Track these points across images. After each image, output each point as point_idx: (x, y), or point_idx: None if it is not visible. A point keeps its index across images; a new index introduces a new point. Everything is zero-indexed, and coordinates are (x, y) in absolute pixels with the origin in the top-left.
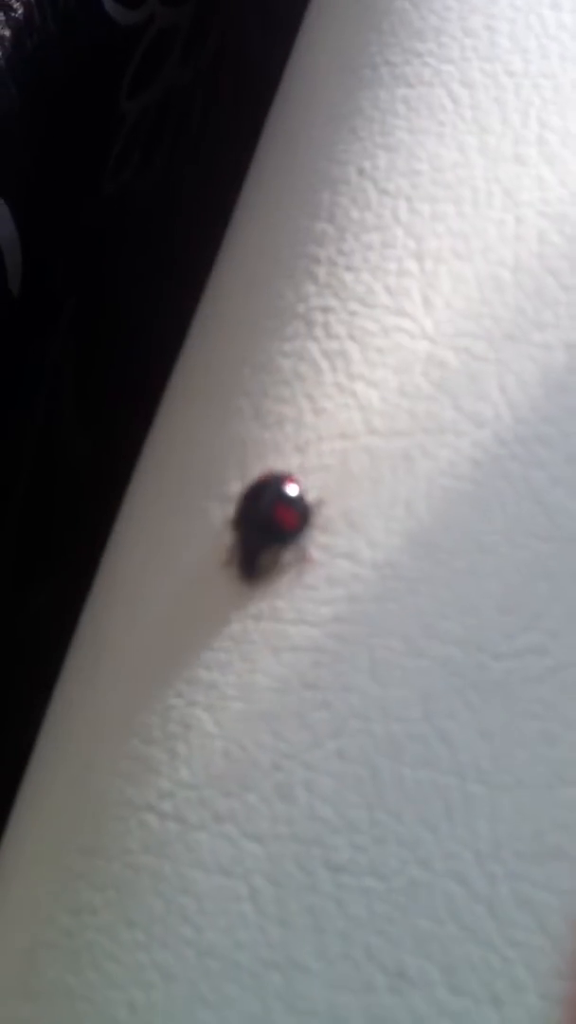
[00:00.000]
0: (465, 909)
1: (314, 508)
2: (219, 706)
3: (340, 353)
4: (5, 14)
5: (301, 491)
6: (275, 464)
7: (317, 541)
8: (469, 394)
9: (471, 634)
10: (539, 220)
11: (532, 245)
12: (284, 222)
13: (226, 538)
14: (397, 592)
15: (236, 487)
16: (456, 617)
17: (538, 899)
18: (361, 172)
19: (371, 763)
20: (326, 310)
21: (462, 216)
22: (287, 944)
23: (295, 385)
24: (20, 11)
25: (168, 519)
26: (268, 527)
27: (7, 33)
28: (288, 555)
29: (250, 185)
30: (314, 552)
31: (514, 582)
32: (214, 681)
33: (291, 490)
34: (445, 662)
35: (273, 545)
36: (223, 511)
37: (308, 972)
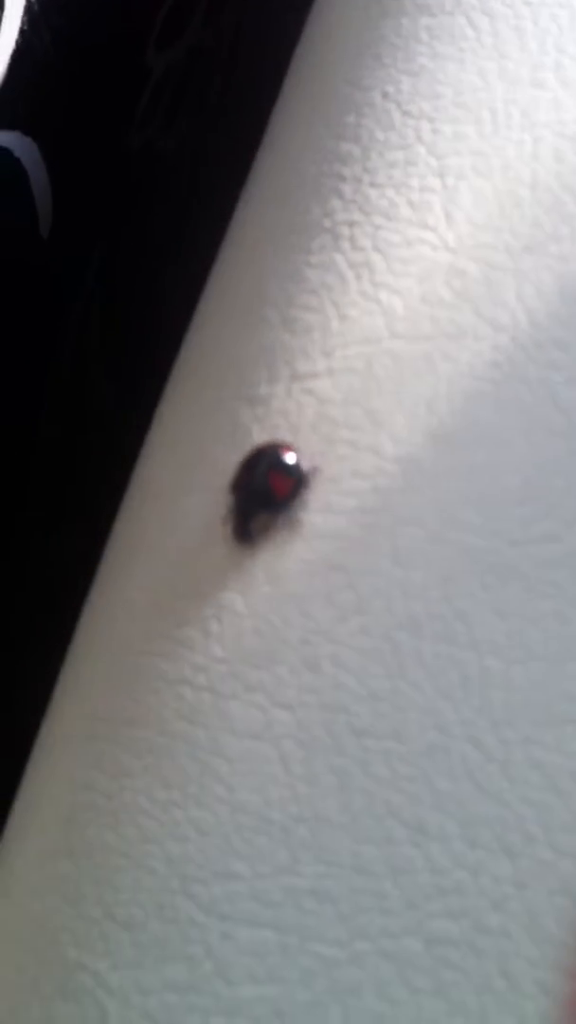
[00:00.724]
0: (481, 770)
1: (308, 476)
2: (250, 589)
3: (365, 264)
4: None
5: (297, 459)
6: (302, 367)
7: (311, 506)
8: (488, 301)
9: (489, 523)
10: (556, 140)
11: (549, 164)
12: (311, 144)
13: (224, 501)
14: (419, 484)
15: (265, 390)
16: (475, 507)
17: (549, 761)
18: (385, 96)
19: (393, 639)
20: (352, 224)
21: (482, 136)
22: (314, 801)
23: (322, 294)
24: None
25: (201, 420)
26: (262, 494)
27: None
28: (280, 520)
29: (279, 112)
30: (305, 518)
31: (530, 475)
32: (245, 566)
33: (288, 458)
34: (464, 548)
35: (265, 511)
36: (253, 412)
37: (333, 826)
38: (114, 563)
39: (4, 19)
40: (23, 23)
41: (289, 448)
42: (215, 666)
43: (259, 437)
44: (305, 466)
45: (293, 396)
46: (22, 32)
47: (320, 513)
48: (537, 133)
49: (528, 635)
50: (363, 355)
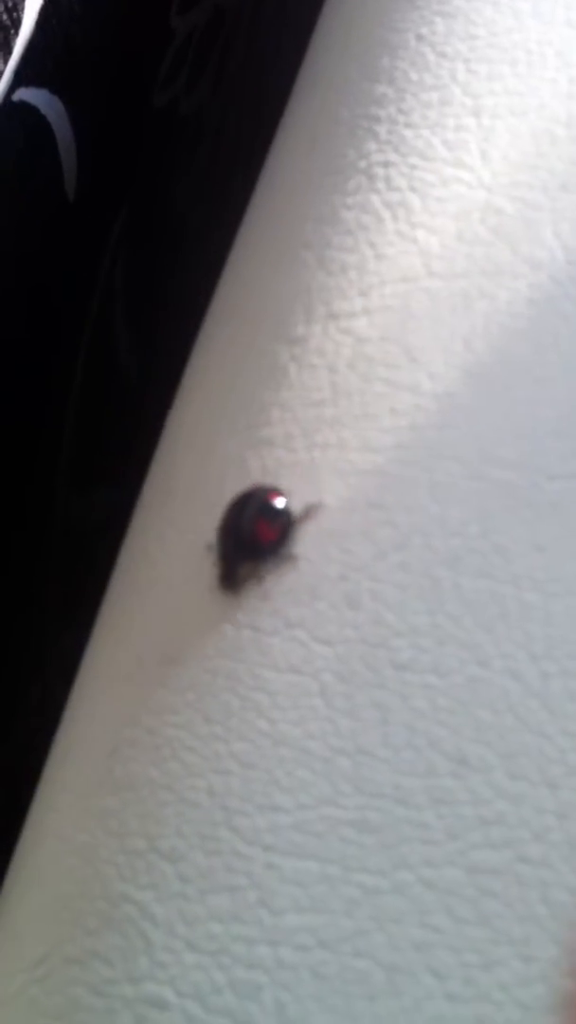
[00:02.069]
0: (521, 703)
1: (298, 521)
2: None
3: (401, 204)
4: None
5: (287, 504)
6: (338, 307)
7: (305, 542)
8: (525, 240)
9: (526, 458)
10: None
11: None
12: (345, 87)
13: (213, 545)
14: (456, 421)
15: (302, 330)
16: (512, 443)
17: None
18: (419, 38)
19: (432, 574)
20: (387, 164)
21: (517, 76)
22: (355, 734)
23: (358, 234)
24: None
25: (239, 362)
26: (247, 541)
27: None
28: (268, 567)
29: (311, 56)
30: (300, 553)
31: (567, 411)
32: (284, 504)
33: (277, 503)
34: (501, 483)
35: (251, 559)
36: (289, 352)
37: (375, 758)
38: (154, 504)
39: None
40: None
41: (277, 493)
42: (256, 604)
43: (294, 377)
44: (296, 508)
45: (330, 335)
46: None
47: (358, 452)
48: (572, 72)
49: (567, 569)
50: (400, 294)
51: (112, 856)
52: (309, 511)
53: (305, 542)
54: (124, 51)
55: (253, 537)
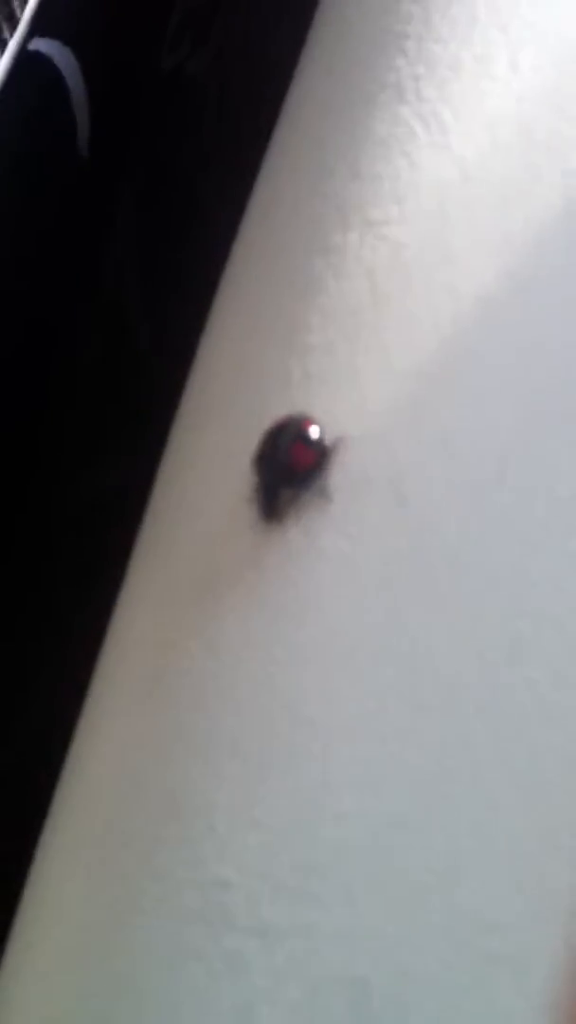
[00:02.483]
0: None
1: (333, 449)
2: (332, 431)
3: (433, 115)
4: None
5: (321, 433)
6: (374, 215)
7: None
8: (559, 148)
9: (569, 358)
10: None
11: None
12: (371, 7)
13: (249, 476)
14: (499, 322)
15: (337, 240)
16: (554, 342)
17: None
18: None
19: (480, 471)
20: (417, 78)
21: None
22: (407, 628)
23: (391, 145)
24: None
25: (275, 276)
26: (285, 468)
27: None
28: (307, 495)
29: None
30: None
31: None
32: (328, 409)
33: (312, 432)
34: (545, 383)
35: (290, 486)
36: (325, 262)
37: (428, 649)
38: (192, 423)
39: None
40: None
41: (311, 421)
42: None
43: (332, 285)
44: (329, 439)
45: (367, 243)
46: None
47: (400, 353)
48: None
49: None
50: (436, 199)
51: (170, 750)
52: (343, 441)
53: (351, 445)
54: (134, 9)
55: (291, 465)
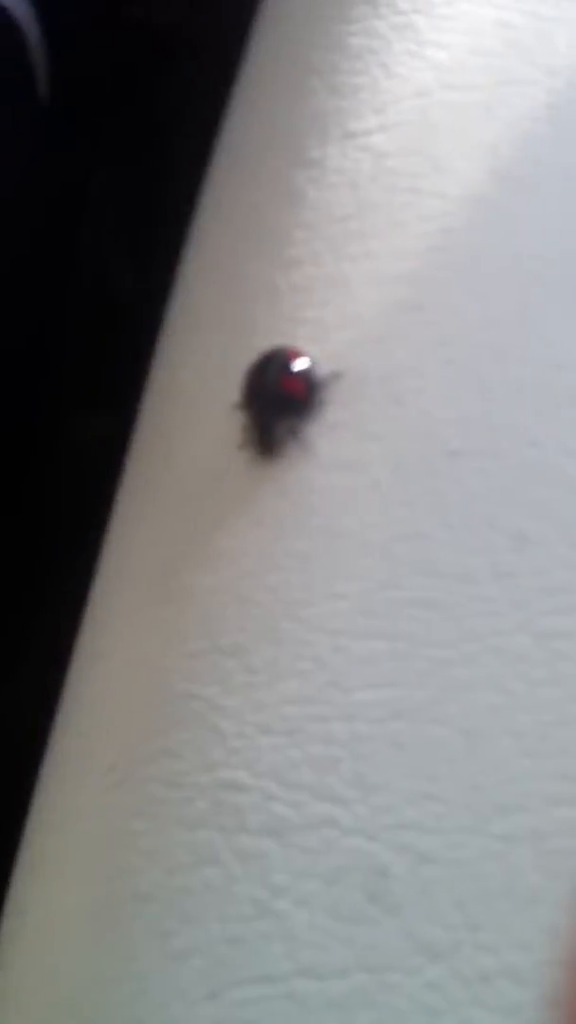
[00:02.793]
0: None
1: (324, 382)
2: (324, 337)
3: (408, 25)
4: None
5: (310, 364)
6: (354, 126)
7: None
8: (539, 49)
9: (562, 251)
10: None
11: None
12: None
13: (237, 420)
14: (488, 221)
15: (317, 153)
16: (547, 238)
17: None
18: None
19: (478, 367)
20: None
21: None
22: (413, 520)
23: (366, 57)
24: None
25: (255, 192)
26: (278, 398)
27: None
28: (302, 425)
29: None
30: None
31: None
32: (318, 317)
33: (298, 363)
34: (540, 277)
35: (286, 416)
36: (306, 175)
37: (434, 540)
38: (180, 338)
39: None
40: None
41: (297, 352)
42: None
43: (315, 197)
44: (321, 372)
45: (348, 154)
46: None
47: (388, 259)
48: None
49: None
50: (417, 107)
51: (173, 660)
52: (334, 375)
53: (343, 348)
54: None
55: (283, 392)
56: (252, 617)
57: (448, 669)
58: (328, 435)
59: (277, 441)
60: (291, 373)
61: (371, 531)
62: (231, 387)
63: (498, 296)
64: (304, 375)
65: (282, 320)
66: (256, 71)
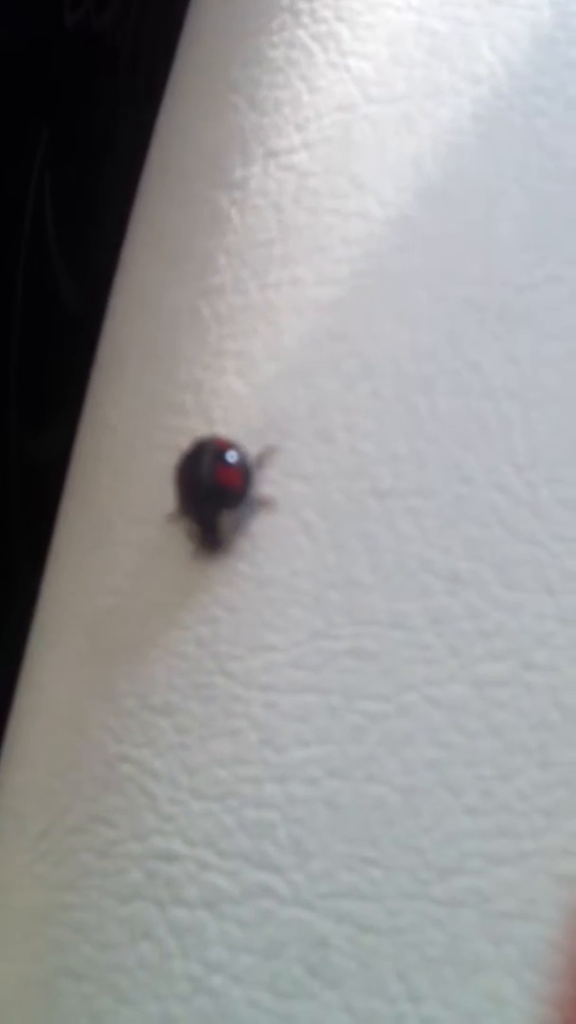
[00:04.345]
0: (510, 514)
1: (257, 464)
2: (249, 370)
3: (330, 35)
4: None
5: (240, 452)
6: (276, 144)
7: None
8: (462, 56)
9: (491, 272)
10: None
11: None
12: None
13: (179, 521)
14: (413, 244)
15: (240, 174)
16: (474, 259)
17: None
18: None
19: (406, 399)
20: None
21: None
22: (343, 565)
23: (288, 71)
24: None
25: (180, 215)
26: (217, 493)
27: None
28: (245, 513)
29: None
30: (271, 494)
31: (527, 222)
32: (243, 349)
33: (230, 454)
34: (468, 301)
35: (228, 509)
36: (229, 197)
37: (365, 587)
38: (108, 370)
39: None
40: None
41: (227, 444)
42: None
43: (238, 220)
44: (253, 455)
45: (271, 174)
46: None
47: (313, 286)
48: None
49: (543, 378)
50: (339, 123)
51: (104, 720)
52: (267, 454)
53: (269, 382)
54: None
55: (220, 488)
56: (182, 673)
57: (383, 723)
58: (255, 475)
59: (223, 537)
60: (225, 464)
61: (301, 578)
62: (159, 428)
63: (425, 322)
64: (238, 464)
65: (207, 353)
66: (181, 86)
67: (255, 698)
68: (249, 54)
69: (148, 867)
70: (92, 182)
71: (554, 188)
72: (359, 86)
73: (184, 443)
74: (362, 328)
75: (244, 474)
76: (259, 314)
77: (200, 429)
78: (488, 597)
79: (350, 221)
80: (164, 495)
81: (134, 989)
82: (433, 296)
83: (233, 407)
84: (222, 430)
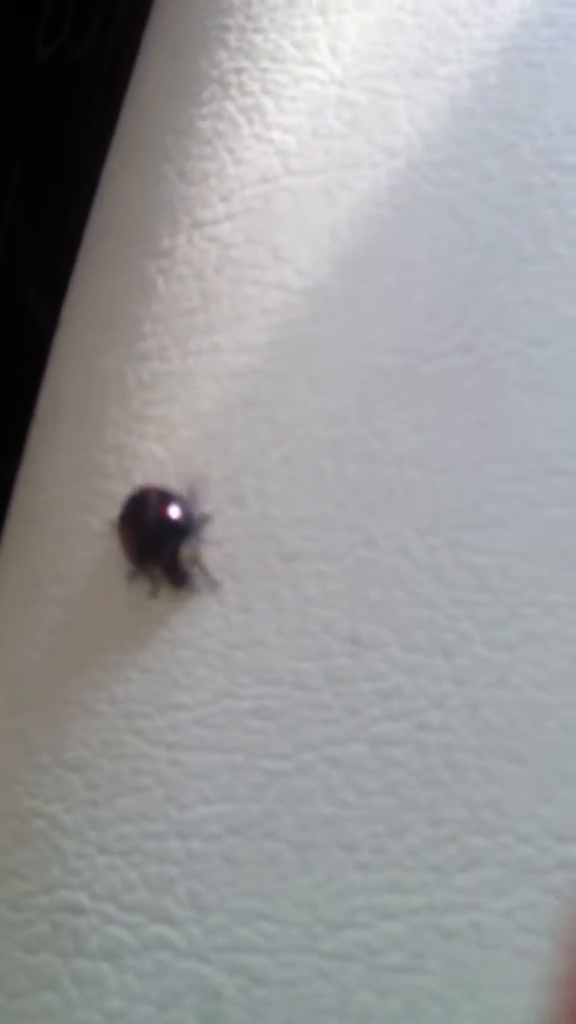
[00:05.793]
0: (410, 578)
1: (191, 498)
2: (169, 435)
3: (255, 107)
4: None
5: (176, 493)
6: (201, 215)
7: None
8: (381, 129)
9: (401, 341)
10: None
11: None
12: (194, 1)
13: (138, 578)
14: (328, 313)
15: (167, 243)
16: (386, 328)
17: (477, 561)
18: None
19: (315, 464)
20: (239, 71)
21: None
22: (249, 627)
23: (215, 142)
24: None
25: (113, 279)
26: (169, 530)
27: None
28: (200, 546)
29: None
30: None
31: (438, 292)
32: (163, 415)
33: (166, 494)
34: (378, 369)
35: (183, 543)
36: (156, 266)
37: (270, 647)
38: (44, 426)
39: None
40: None
41: (158, 487)
42: None
43: (164, 290)
44: (187, 491)
45: (195, 244)
46: None
47: (232, 354)
48: None
49: (448, 445)
50: (261, 195)
51: (20, 774)
52: (195, 488)
53: (186, 447)
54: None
55: (169, 525)
56: (95, 730)
57: (283, 780)
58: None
59: (186, 571)
60: (167, 503)
61: (209, 639)
62: (85, 490)
63: (335, 389)
64: (178, 501)
65: (130, 418)
66: (122, 150)
67: (161, 756)
68: (181, 124)
69: (54, 919)
70: (67, 209)
71: (465, 258)
72: (281, 158)
73: (106, 506)
74: (276, 394)
75: (186, 509)
76: (179, 381)
77: (121, 492)
78: (387, 659)
79: (269, 291)
80: (88, 555)
81: None
82: (344, 363)
83: (152, 471)
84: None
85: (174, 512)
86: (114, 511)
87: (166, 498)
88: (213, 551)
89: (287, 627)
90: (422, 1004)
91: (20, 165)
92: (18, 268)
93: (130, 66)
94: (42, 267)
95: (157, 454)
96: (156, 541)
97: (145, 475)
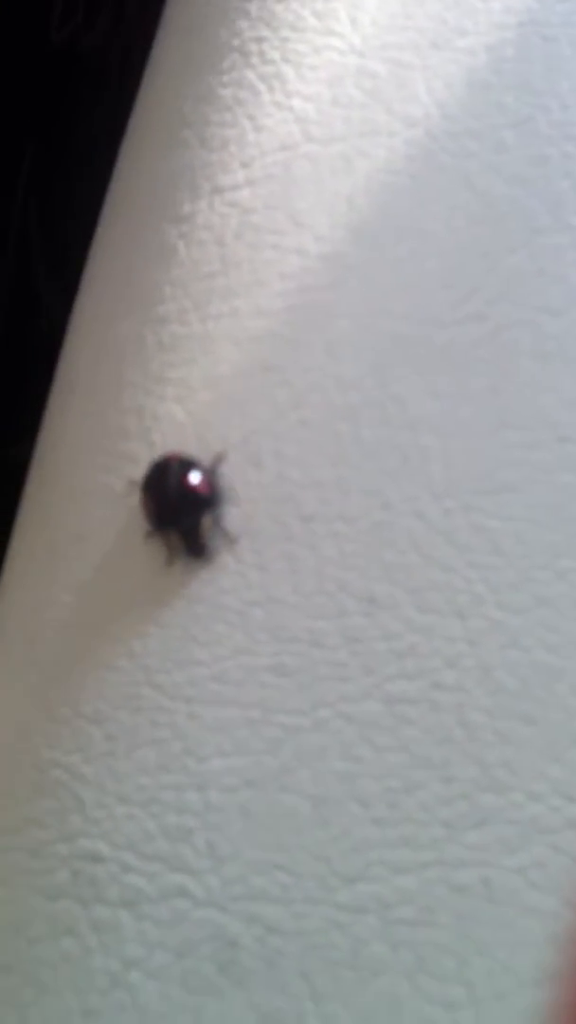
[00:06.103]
0: (426, 540)
1: (214, 469)
2: (188, 397)
3: (276, 75)
4: None
5: (200, 463)
6: (222, 181)
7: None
8: (399, 99)
9: (416, 309)
10: None
11: None
12: None
13: (159, 546)
14: (345, 279)
15: (188, 208)
16: (401, 296)
17: (491, 526)
18: None
19: (332, 428)
20: (260, 40)
21: None
22: (266, 585)
23: (236, 109)
24: None
25: (133, 246)
26: (192, 501)
27: None
28: (219, 515)
29: None
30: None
31: (453, 261)
32: (182, 377)
33: (192, 477)
34: (394, 336)
35: (205, 514)
36: (177, 231)
37: (287, 605)
38: (61, 396)
39: None
40: None
41: (180, 456)
42: None
43: (184, 254)
44: (209, 462)
45: (216, 209)
46: None
47: (250, 318)
48: None
49: (462, 411)
50: (281, 162)
51: (39, 726)
52: (218, 460)
53: (205, 410)
54: None
55: (192, 495)
56: (113, 684)
57: (298, 736)
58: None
59: (204, 543)
60: (191, 473)
61: (226, 596)
62: (103, 451)
63: (351, 355)
64: (202, 471)
65: (150, 380)
66: (142, 120)
67: (180, 709)
68: (201, 91)
69: (74, 867)
70: (79, 197)
71: (480, 229)
72: (301, 126)
73: (126, 466)
74: (293, 359)
75: (209, 479)
76: (199, 344)
77: (141, 453)
78: (402, 619)
79: (287, 256)
80: (107, 515)
81: (56, 982)
82: (361, 330)
83: (171, 432)
84: (160, 453)
85: (196, 481)
86: (133, 471)
87: (188, 466)
88: (230, 510)
89: (304, 586)
90: (434, 957)
91: (33, 148)
92: (30, 252)
93: (144, 51)
94: (53, 250)
95: (176, 415)
96: (177, 510)
97: (164, 436)
